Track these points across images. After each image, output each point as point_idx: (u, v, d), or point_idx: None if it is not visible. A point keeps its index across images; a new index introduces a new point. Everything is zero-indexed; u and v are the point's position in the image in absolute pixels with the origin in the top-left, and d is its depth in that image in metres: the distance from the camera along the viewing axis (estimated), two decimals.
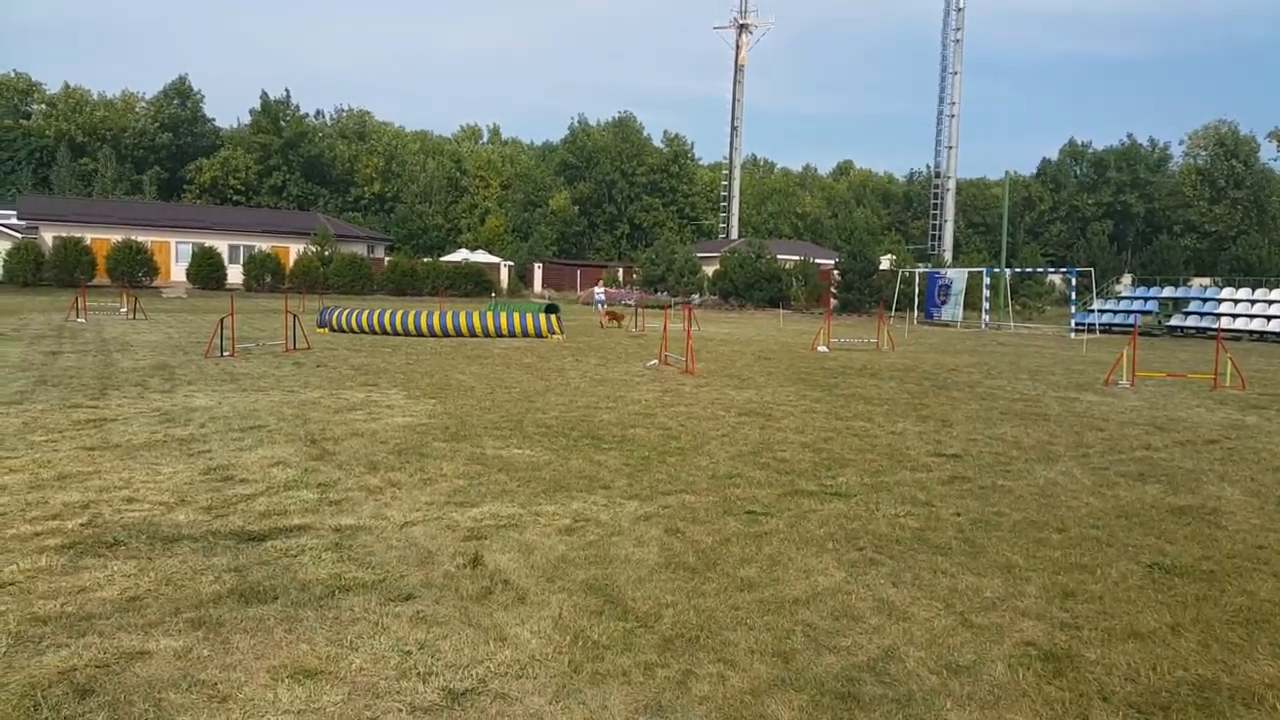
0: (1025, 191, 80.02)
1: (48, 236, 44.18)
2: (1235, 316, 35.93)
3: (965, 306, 39.56)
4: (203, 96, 74.43)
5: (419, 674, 3.61)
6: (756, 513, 6.24)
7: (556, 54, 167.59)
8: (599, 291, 36.35)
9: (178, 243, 48.67)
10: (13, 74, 71.31)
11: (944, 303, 40.11)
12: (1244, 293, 37.81)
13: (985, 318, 39.13)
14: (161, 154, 69.81)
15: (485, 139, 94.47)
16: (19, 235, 44.27)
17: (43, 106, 70.65)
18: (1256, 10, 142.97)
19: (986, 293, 39.43)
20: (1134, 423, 11.04)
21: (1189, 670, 3.94)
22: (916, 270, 44.64)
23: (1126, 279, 48.21)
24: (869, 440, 9.25)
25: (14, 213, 48.03)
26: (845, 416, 10.79)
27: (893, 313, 37.74)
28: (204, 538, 5.19)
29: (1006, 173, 57.37)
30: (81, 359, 14.30)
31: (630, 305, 42.51)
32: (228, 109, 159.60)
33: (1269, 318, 35.11)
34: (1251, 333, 34.33)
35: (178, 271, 46.66)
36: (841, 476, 7.50)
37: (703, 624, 4.25)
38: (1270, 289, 38.02)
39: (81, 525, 5.35)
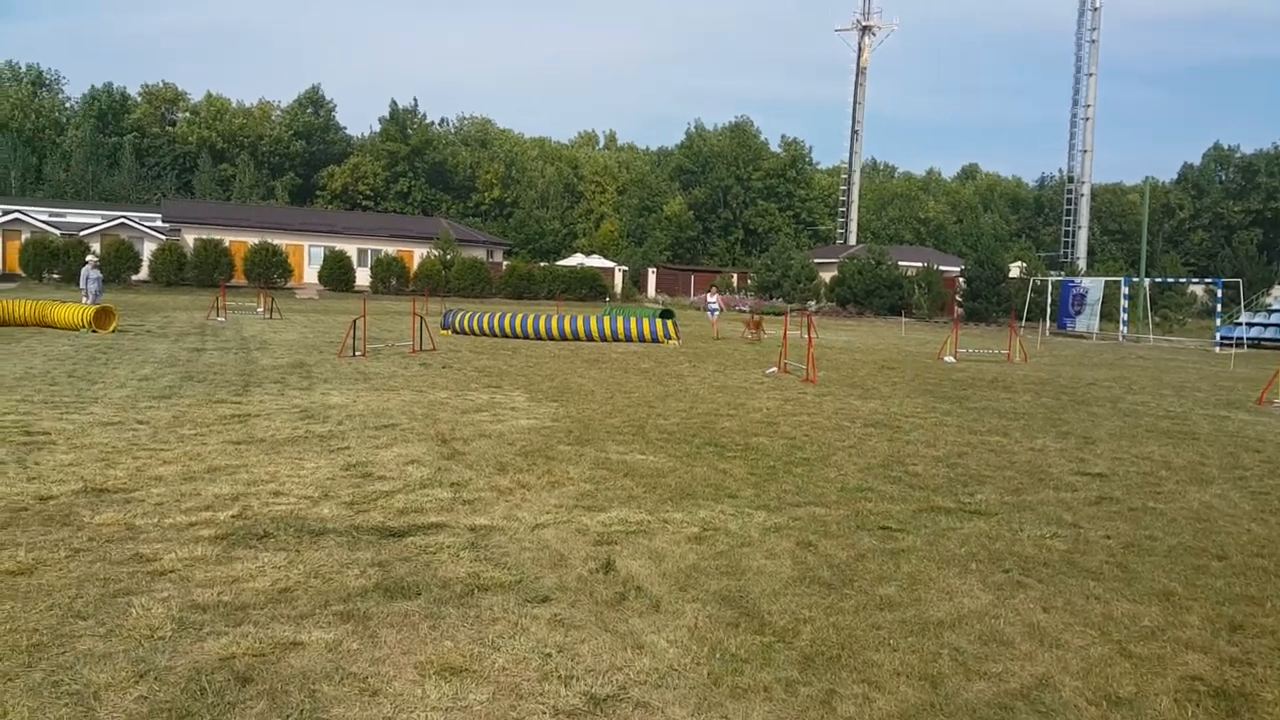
0: (1165, 198, 75.87)
1: (189, 238, 46.77)
2: None
3: (1101, 317, 37.70)
4: (334, 105, 78.16)
5: (560, 677, 3.60)
6: (892, 529, 6.04)
7: (673, 60, 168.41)
8: (712, 300, 33.11)
9: (310, 246, 50.97)
10: (160, 84, 76.30)
11: (1078, 313, 38.32)
12: None
13: (1123, 329, 37.18)
14: (295, 161, 73.50)
15: (601, 145, 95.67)
16: (163, 237, 47.16)
17: (186, 114, 75.29)
18: None
19: (1124, 303, 37.46)
20: None
21: None
22: (1049, 279, 42.76)
23: (1277, 291, 44.95)
24: (1006, 456, 8.86)
25: (159, 215, 51.24)
26: (979, 431, 10.38)
27: (1023, 323, 36.24)
28: (348, 532, 5.36)
29: (1146, 178, 54.46)
30: (223, 356, 15.10)
31: (745, 311, 42.23)
32: (358, 117, 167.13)
33: None
34: None
35: (310, 273, 48.88)
36: (980, 494, 7.20)
37: (843, 642, 4.11)
38: None
39: (232, 517, 5.59)
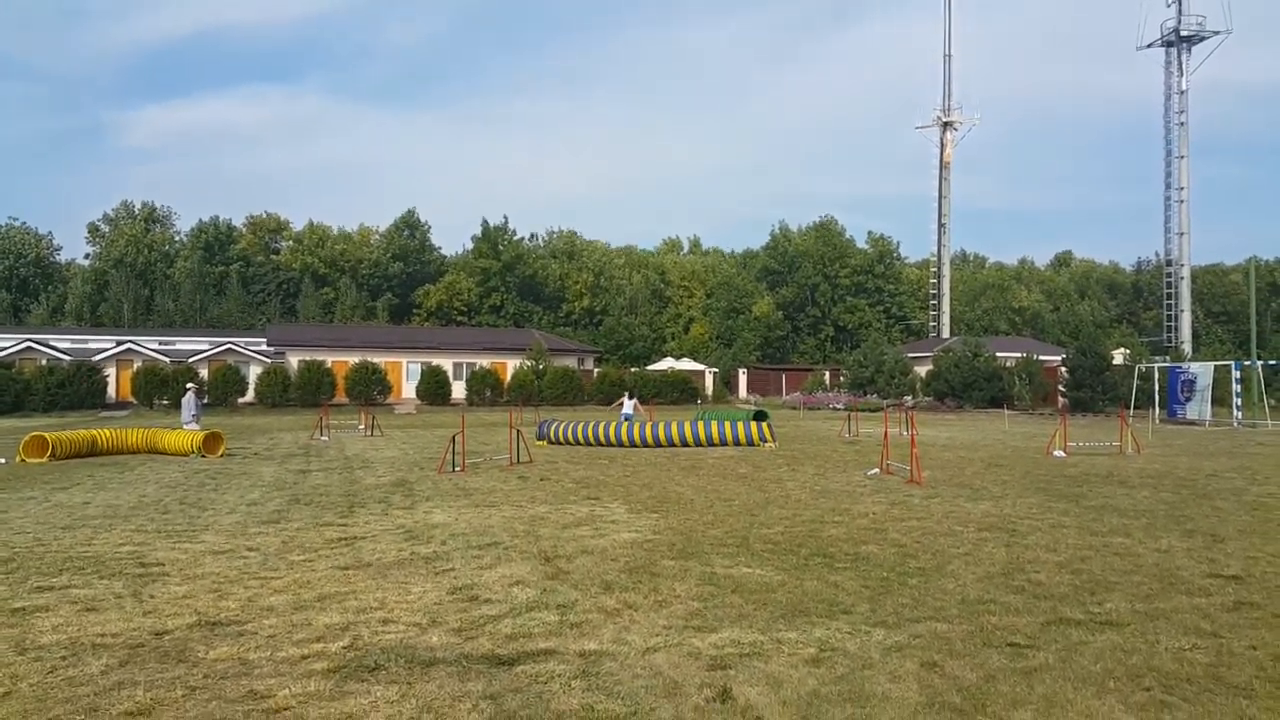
0: (1270, 276, 72.78)
1: (293, 360, 48.95)
2: None
3: (1213, 403, 35.80)
4: (429, 227, 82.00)
5: None
6: (1020, 645, 5.71)
7: (755, 166, 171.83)
8: (628, 406, 26.60)
9: (408, 362, 52.70)
10: (264, 214, 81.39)
11: (1188, 399, 36.51)
12: None
13: (1237, 415, 35.18)
14: (393, 281, 76.89)
15: (686, 250, 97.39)
16: (268, 360, 49.46)
17: (289, 242, 79.84)
18: None
19: (1237, 387, 35.55)
20: None
21: None
22: (1155, 364, 41.02)
23: None
24: (1132, 559, 8.37)
25: (264, 340, 53.89)
26: (1100, 531, 9.86)
27: (1131, 411, 34.66)
28: (457, 661, 5.33)
29: (1250, 257, 52.39)
30: (328, 477, 15.53)
31: (839, 409, 41.59)
32: (451, 236, 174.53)
33: None
34: None
35: (408, 389, 50.40)
36: (1109, 602, 6.79)
37: None
38: None
39: (344, 648, 5.62)
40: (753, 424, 22.14)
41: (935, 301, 68.64)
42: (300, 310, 71.64)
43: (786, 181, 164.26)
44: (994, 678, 5.11)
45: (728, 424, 22.21)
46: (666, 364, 58.35)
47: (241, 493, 13.35)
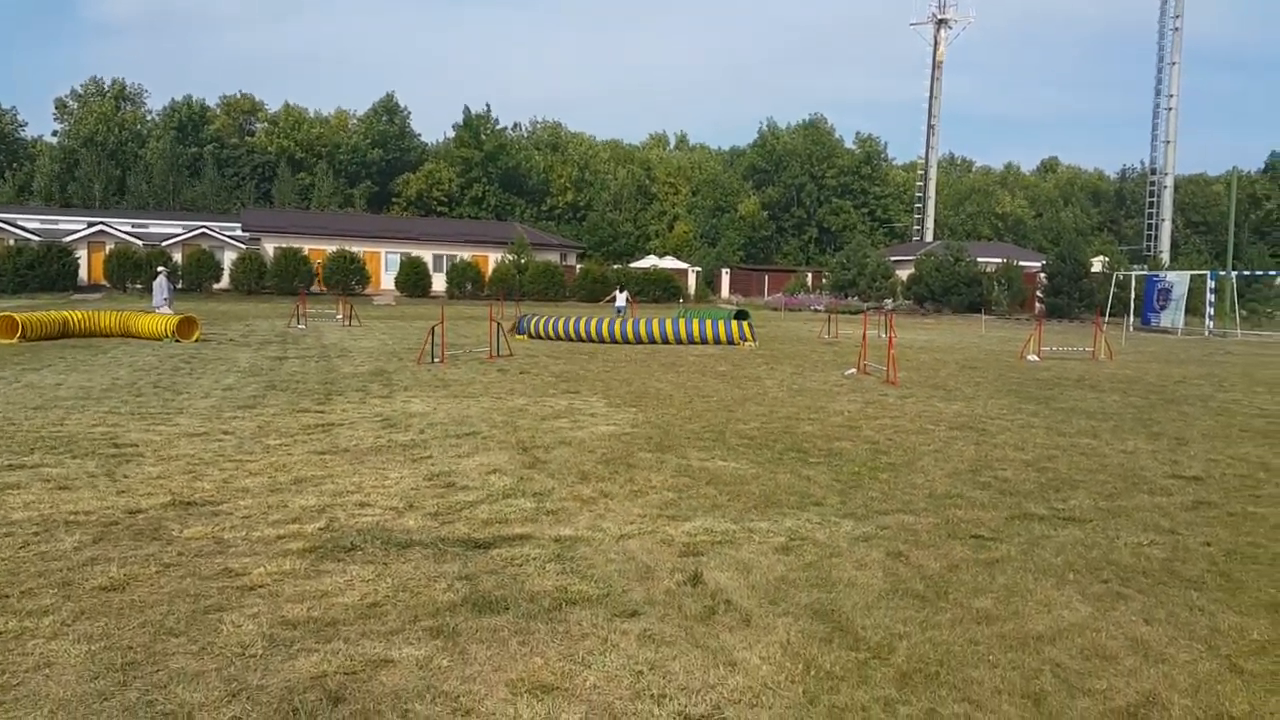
0: (1251, 188, 72.66)
1: (269, 247, 48.09)
2: None
3: (1187, 312, 36.23)
4: (409, 113, 79.67)
5: (653, 696, 3.56)
6: (984, 537, 5.87)
7: (744, 61, 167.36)
8: (621, 299, 30.90)
9: (387, 253, 52.05)
10: (239, 95, 78.73)
11: (1163, 308, 36.90)
12: None
13: (1209, 324, 35.66)
14: (371, 169, 75.18)
15: (672, 146, 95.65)
16: (243, 246, 48.60)
17: (265, 125, 77.46)
18: None
19: (1210, 297, 35.93)
20: None
21: None
22: (1132, 273, 41.22)
23: None
24: (1097, 459, 8.57)
25: (239, 225, 52.85)
26: (1067, 433, 10.05)
27: (1106, 319, 35.01)
28: (434, 544, 5.40)
29: (1232, 168, 52.16)
30: (305, 364, 15.48)
31: (819, 310, 41.72)
32: (432, 124, 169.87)
33: None
34: None
35: (387, 280, 49.95)
36: (1073, 499, 6.97)
37: (941, 658, 3.99)
38: None
39: (319, 529, 5.66)
40: (734, 323, 22.19)
41: (920, 205, 68.12)
42: (276, 195, 70.12)
43: (776, 78, 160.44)
44: (957, 567, 5.25)
45: (709, 322, 22.25)
46: (650, 262, 58.01)
47: (217, 378, 13.30)
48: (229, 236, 49.66)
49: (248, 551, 5.23)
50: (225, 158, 73.81)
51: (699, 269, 58.17)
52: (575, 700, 3.52)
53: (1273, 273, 44.08)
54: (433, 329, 16.77)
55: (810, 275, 58.16)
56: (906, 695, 3.65)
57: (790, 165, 75.02)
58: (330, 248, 47.41)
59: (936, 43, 65.87)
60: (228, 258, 46.53)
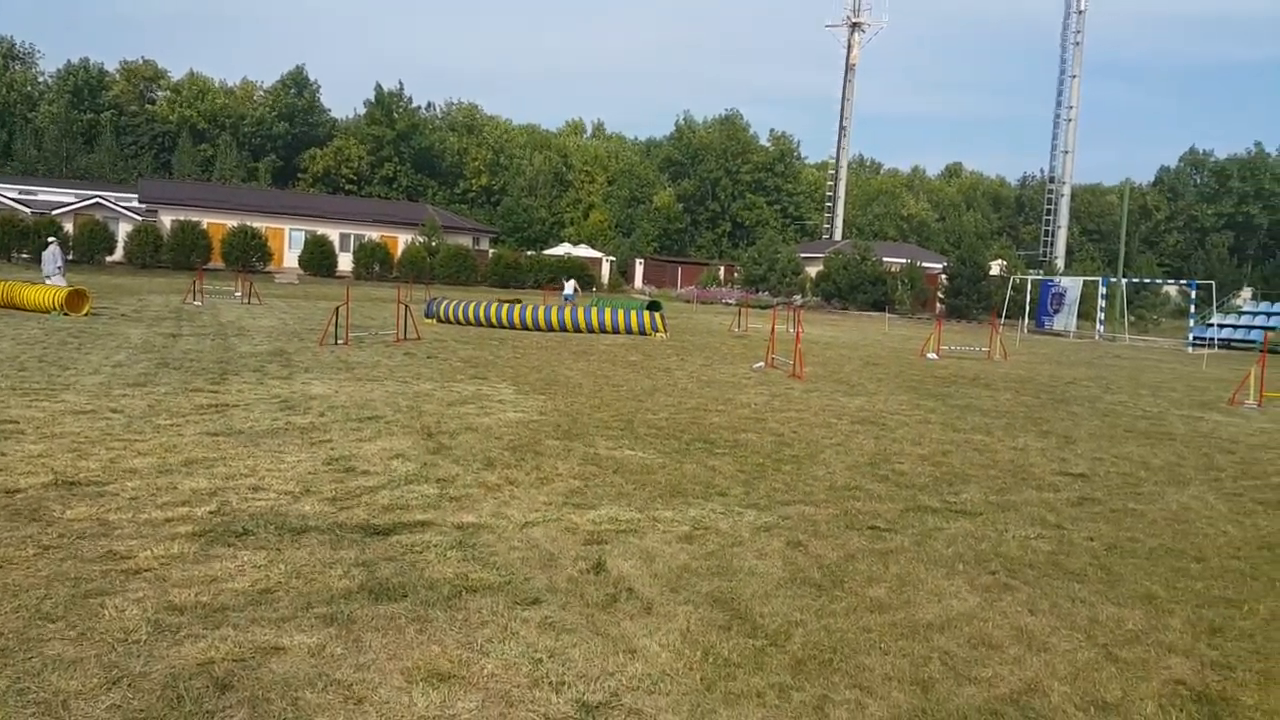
0: (1142, 200, 76.71)
1: (166, 220, 45.93)
2: None
3: (1078, 316, 38.00)
4: (319, 87, 77.32)
5: (551, 684, 3.54)
6: (880, 528, 6.03)
7: (662, 50, 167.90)
8: (570, 287, 32.75)
9: (291, 229, 50.45)
10: (140, 60, 75.09)
11: (1056, 311, 38.61)
12: None
13: (1100, 329, 37.47)
14: (278, 142, 72.71)
15: (589, 134, 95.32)
16: (139, 218, 46.39)
17: (166, 93, 74.02)
18: None
19: (1101, 303, 37.75)
20: (1266, 446, 10.52)
21: None
22: (1028, 277, 43.01)
23: (1246, 293, 45.54)
24: (990, 455, 8.90)
25: (135, 196, 50.42)
26: (962, 429, 10.41)
27: (1003, 320, 36.42)
28: (330, 530, 5.26)
29: (1124, 180, 54.94)
30: (200, 342, 14.88)
31: (730, 304, 42.21)
32: (342, 99, 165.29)
33: None
34: None
35: (290, 258, 48.40)
36: (965, 493, 7.22)
37: (835, 646, 4.09)
38: None
39: (210, 513, 5.45)
40: (645, 313, 22.27)
41: (831, 204, 69.57)
42: (176, 167, 67.19)
43: (694, 70, 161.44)
44: (853, 557, 5.38)
45: (621, 312, 22.27)
46: (563, 249, 57.74)
47: (106, 354, 12.67)
48: (125, 207, 47.40)
49: (134, 534, 5.00)
50: (123, 125, 70.38)
51: (613, 259, 58.17)
52: (472, 688, 3.48)
53: (1160, 281, 46.62)
54: (336, 310, 16.33)
55: (723, 269, 58.82)
56: (800, 681, 3.72)
57: (706, 159, 75.69)
58: (231, 223, 45.69)
59: (850, 45, 67.28)
60: (122, 229, 44.36)
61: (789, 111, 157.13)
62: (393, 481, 6.43)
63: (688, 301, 47.73)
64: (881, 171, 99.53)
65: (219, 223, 46.18)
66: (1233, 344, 34.99)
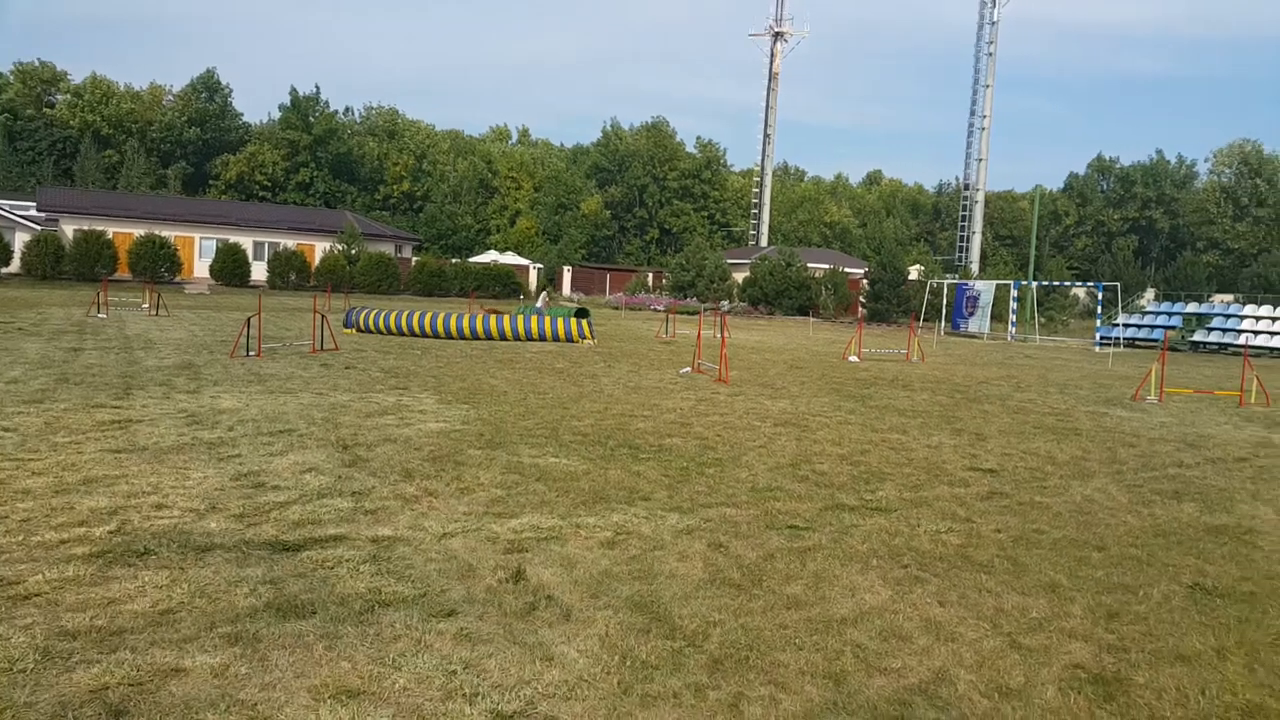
0: (1052, 205, 79.60)
1: (68, 229, 44.00)
2: (1256, 333, 35.40)
3: (992, 318, 39.22)
4: (231, 91, 75.24)
5: (465, 695, 3.48)
6: (799, 527, 6.11)
7: (587, 57, 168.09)
8: (543, 299, 32.76)
9: (202, 238, 48.96)
10: (37, 62, 71.88)
11: (971, 314, 39.76)
12: (1265, 310, 37.26)
13: (1012, 330, 38.73)
14: (188, 148, 70.49)
15: (514, 140, 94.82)
16: (38, 227, 44.32)
17: (68, 97, 71.03)
18: None
19: (1014, 305, 39.05)
20: (1165, 439, 10.95)
21: (1237, 695, 3.88)
22: (945, 281, 44.26)
23: (1150, 294, 47.70)
24: (906, 453, 9.10)
25: (33, 204, 48.22)
26: (880, 429, 10.63)
27: (921, 323, 37.37)
28: (237, 547, 5.10)
29: (1035, 187, 56.92)
30: (104, 356, 14.29)
31: (659, 310, 42.39)
32: (256, 104, 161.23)
33: None
34: (1272, 350, 33.85)
35: (201, 268, 46.96)
36: (881, 490, 7.36)
37: (751, 644, 4.13)
38: None
39: (110, 532, 5.23)
40: (572, 320, 22.19)
41: (756, 211, 70.53)
42: (78, 174, 64.55)
43: (619, 77, 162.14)
44: (772, 556, 5.44)
45: (548, 319, 22.15)
46: (490, 257, 57.25)
47: (0, 370, 12.08)
48: (21, 216, 45.23)
49: (25, 558, 4.76)
50: (19, 130, 67.29)
51: (540, 266, 57.92)
52: (383, 703, 3.40)
53: (1069, 283, 48.42)
54: (249, 320, 15.87)
55: (651, 275, 59.07)
56: (717, 680, 3.74)
57: (633, 166, 75.99)
58: (139, 231, 44.08)
59: (773, 55, 68.39)
60: (19, 239, 42.36)
61: (715, 119, 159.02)
62: (304, 496, 6.26)
63: (616, 308, 47.79)
64: (806, 179, 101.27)
65: (125, 232, 44.55)
66: (1137, 343, 36.53)
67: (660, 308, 44.26)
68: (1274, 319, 36.17)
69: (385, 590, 4.54)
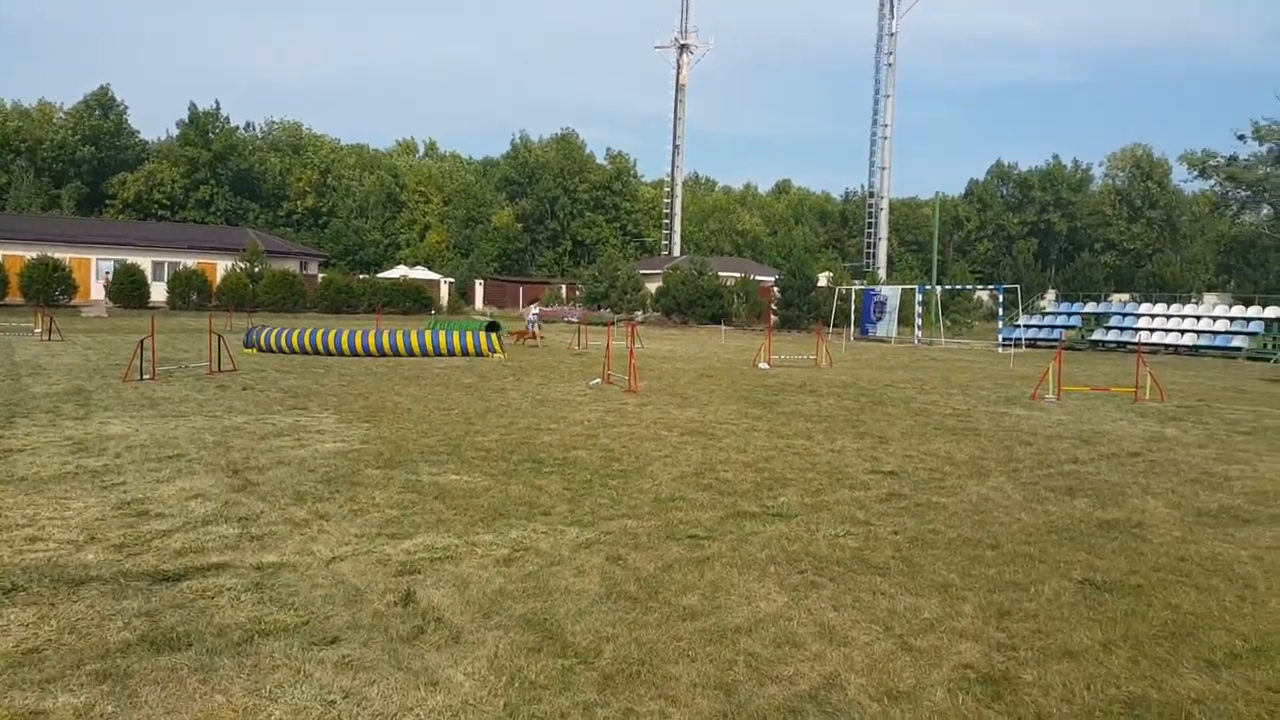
0: (954, 211, 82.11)
1: None
2: (1152, 331, 37.18)
3: (899, 322, 40.28)
4: (126, 108, 72.12)
5: None
6: (699, 536, 6.13)
7: (495, 70, 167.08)
8: (534, 310, 35.11)
9: (99, 259, 46.97)
10: None
11: (879, 319, 40.77)
12: (1159, 308, 39.18)
13: (918, 333, 39.85)
14: (82, 167, 67.39)
15: (421, 153, 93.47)
16: None
17: None
18: (1171, 42, 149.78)
19: (919, 309, 40.20)
20: (1061, 436, 11.27)
21: (1120, 688, 3.98)
22: (853, 287, 45.32)
23: (1050, 295, 49.77)
24: (809, 459, 9.22)
25: None
26: (786, 435, 10.77)
27: (830, 329, 38.18)
28: (114, 579, 4.87)
29: (937, 193, 58.79)
30: None
31: (573, 322, 42.30)
32: (154, 121, 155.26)
33: (1182, 331, 36.43)
34: (1166, 346, 35.56)
35: (98, 289, 45.06)
36: (783, 496, 7.44)
37: (644, 657, 4.11)
38: (1183, 304, 39.52)
39: None
40: (481, 334, 21.95)
41: (668, 221, 70.98)
42: None
43: (526, 89, 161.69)
44: (671, 567, 5.44)
45: (455, 333, 21.86)
46: (399, 272, 56.22)
47: None
48: None
49: None
50: None
51: (451, 280, 57.18)
52: None
53: (972, 286, 50.10)
54: (142, 342, 15.24)
55: (565, 287, 58.90)
56: (607, 698, 3.71)
57: (543, 178, 75.72)
58: (30, 254, 42.00)
59: (679, 66, 69.05)
60: None
61: (624, 130, 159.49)
62: (189, 524, 6.02)
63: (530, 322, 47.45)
64: (716, 188, 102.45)
65: (16, 255, 42.47)
66: (1038, 343, 37.98)
67: (574, 319, 44.19)
68: (1168, 317, 38.06)
69: (266, 619, 4.39)
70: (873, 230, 65.92)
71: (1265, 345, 33.00)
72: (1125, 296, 45.17)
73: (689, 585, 5.13)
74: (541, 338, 29.20)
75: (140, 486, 7.06)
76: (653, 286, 53.09)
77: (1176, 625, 4.74)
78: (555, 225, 76.14)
